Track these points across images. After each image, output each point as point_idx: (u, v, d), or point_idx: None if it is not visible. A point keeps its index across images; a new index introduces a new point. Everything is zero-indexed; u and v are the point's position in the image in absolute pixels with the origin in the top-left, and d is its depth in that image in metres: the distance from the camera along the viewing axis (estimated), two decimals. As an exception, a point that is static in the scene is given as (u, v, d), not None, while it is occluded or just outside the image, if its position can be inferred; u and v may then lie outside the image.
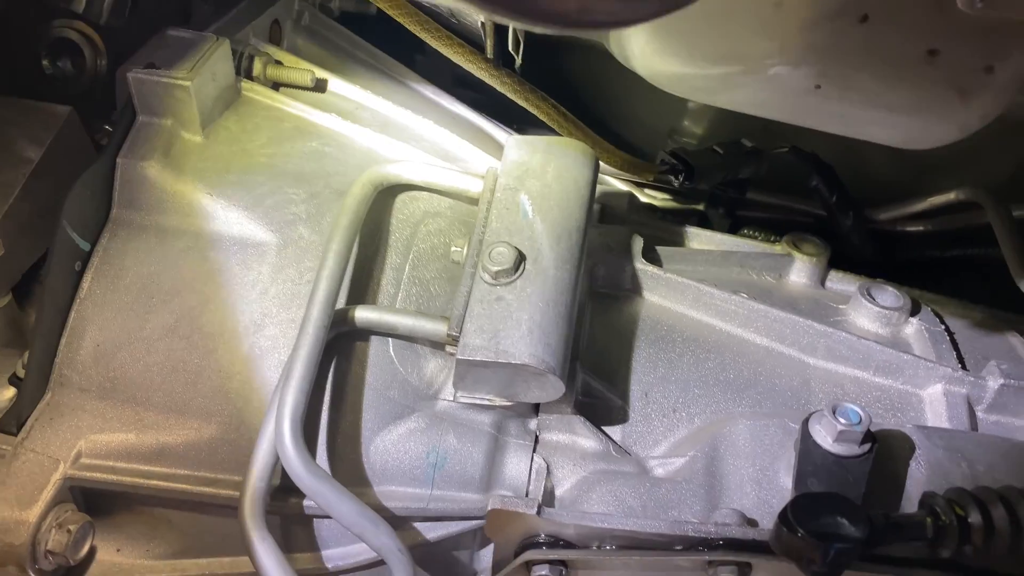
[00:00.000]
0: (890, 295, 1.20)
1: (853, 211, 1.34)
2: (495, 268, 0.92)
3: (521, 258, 0.93)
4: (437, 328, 0.92)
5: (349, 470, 0.91)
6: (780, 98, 0.89)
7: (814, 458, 0.85)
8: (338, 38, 1.33)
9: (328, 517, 0.88)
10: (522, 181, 1.00)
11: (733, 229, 1.47)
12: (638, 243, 1.14)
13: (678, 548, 0.81)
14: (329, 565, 0.91)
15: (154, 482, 0.88)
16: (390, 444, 0.93)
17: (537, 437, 0.99)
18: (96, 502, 0.89)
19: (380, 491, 0.92)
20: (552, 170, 1.01)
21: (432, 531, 0.95)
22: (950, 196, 1.30)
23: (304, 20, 1.30)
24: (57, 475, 0.85)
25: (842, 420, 0.85)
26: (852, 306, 1.20)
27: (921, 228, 1.42)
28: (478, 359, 0.88)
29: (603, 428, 1.03)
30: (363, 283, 0.96)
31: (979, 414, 1.11)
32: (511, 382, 0.91)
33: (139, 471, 0.88)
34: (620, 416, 1.05)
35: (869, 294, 1.19)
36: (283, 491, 0.87)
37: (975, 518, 0.73)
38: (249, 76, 1.11)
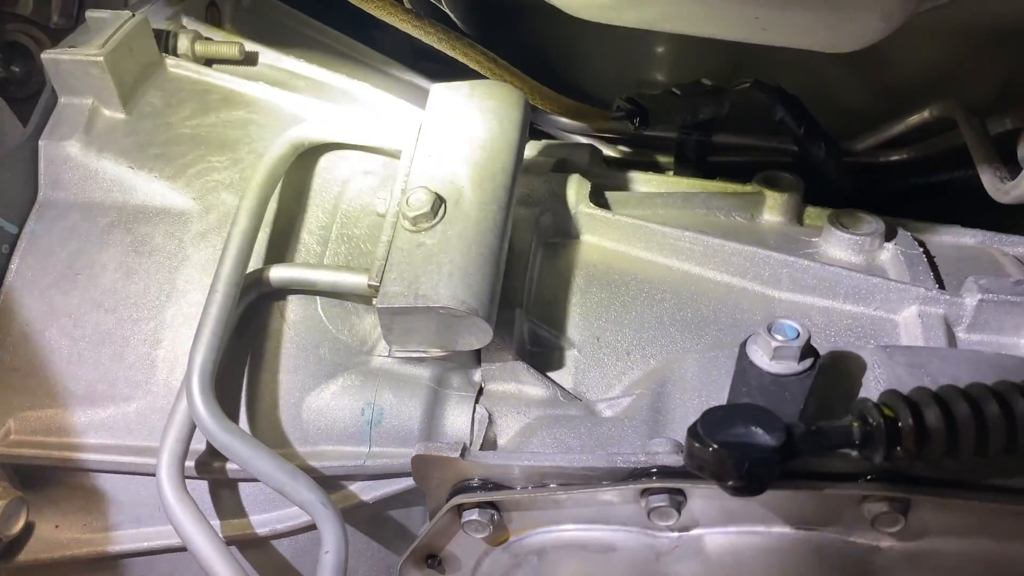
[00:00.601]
0: (862, 221, 1.14)
1: (825, 142, 1.28)
2: (413, 214, 0.89)
3: (440, 201, 0.90)
4: (359, 280, 0.89)
5: (279, 431, 0.89)
6: (690, 7, 0.85)
7: (749, 378, 0.80)
8: (283, 17, 1.32)
9: (255, 480, 0.86)
10: (445, 127, 0.97)
11: (708, 177, 1.42)
12: (584, 187, 1.10)
13: (606, 483, 0.76)
14: (262, 530, 0.89)
15: (84, 455, 0.87)
16: (323, 403, 0.91)
17: (482, 388, 0.96)
18: (32, 479, 0.89)
19: (315, 451, 0.90)
20: (476, 113, 0.98)
21: (374, 490, 0.92)
22: (924, 115, 1.23)
23: (245, 1, 1.30)
24: (-15, 453, 0.86)
25: (778, 337, 0.80)
26: (824, 237, 1.14)
27: (904, 156, 1.35)
28: (397, 306, 0.85)
29: (554, 375, 1.00)
30: (286, 244, 0.95)
31: (960, 335, 1.04)
32: (439, 330, 0.88)
33: (69, 444, 0.88)
34: (571, 362, 1.01)
35: (839, 222, 1.14)
36: (208, 455, 0.86)
37: (905, 420, 0.67)
38: (177, 53, 1.11)
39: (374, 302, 0.87)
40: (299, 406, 0.90)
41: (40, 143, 0.97)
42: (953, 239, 1.21)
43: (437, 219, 0.90)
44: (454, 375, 0.96)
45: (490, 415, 0.94)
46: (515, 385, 0.97)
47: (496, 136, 0.97)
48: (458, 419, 0.93)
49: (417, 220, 0.90)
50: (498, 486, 0.81)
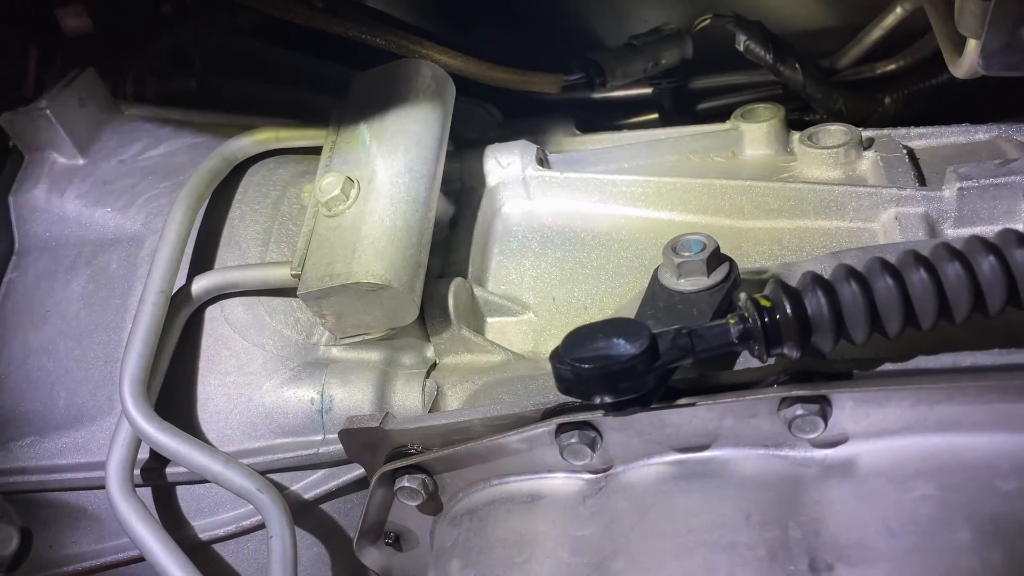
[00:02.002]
0: (834, 133, 1.07)
1: (799, 62, 1.20)
2: (326, 198, 0.91)
3: (351, 183, 0.91)
4: (283, 272, 0.91)
5: (233, 431, 0.91)
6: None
7: (658, 300, 0.76)
8: (253, 51, 1.38)
9: (201, 482, 0.88)
10: (362, 112, 0.99)
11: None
12: (529, 151, 1.08)
13: (513, 432, 0.74)
14: (215, 532, 0.91)
15: (64, 475, 0.92)
16: (274, 398, 0.92)
17: (436, 363, 0.95)
18: (24, 504, 0.95)
19: (270, 445, 0.92)
20: (391, 93, 0.99)
21: (333, 479, 0.93)
22: (897, 12, 1.14)
23: (214, 42, 1.36)
24: (-28, 484, 0.92)
25: (683, 253, 0.76)
26: (799, 158, 1.08)
27: (900, 62, 1.25)
28: (314, 290, 0.86)
29: (514, 341, 0.98)
30: (225, 252, 0.97)
31: (949, 232, 0.96)
32: (365, 308, 0.89)
33: (50, 467, 0.93)
34: (529, 327, 1.00)
35: (810, 139, 1.07)
36: (154, 461, 0.89)
37: (783, 309, 0.61)
38: (139, 98, 1.18)
39: (297, 291, 0.88)
40: (250, 404, 0.92)
41: (9, 199, 1.05)
42: (963, 138, 1.11)
43: (350, 200, 0.91)
44: (406, 354, 0.96)
45: (440, 387, 0.92)
46: (467, 355, 0.95)
47: (409, 111, 0.97)
48: (409, 396, 0.92)
49: (331, 204, 0.91)
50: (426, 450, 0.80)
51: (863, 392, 0.65)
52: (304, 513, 0.94)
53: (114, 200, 1.03)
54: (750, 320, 0.62)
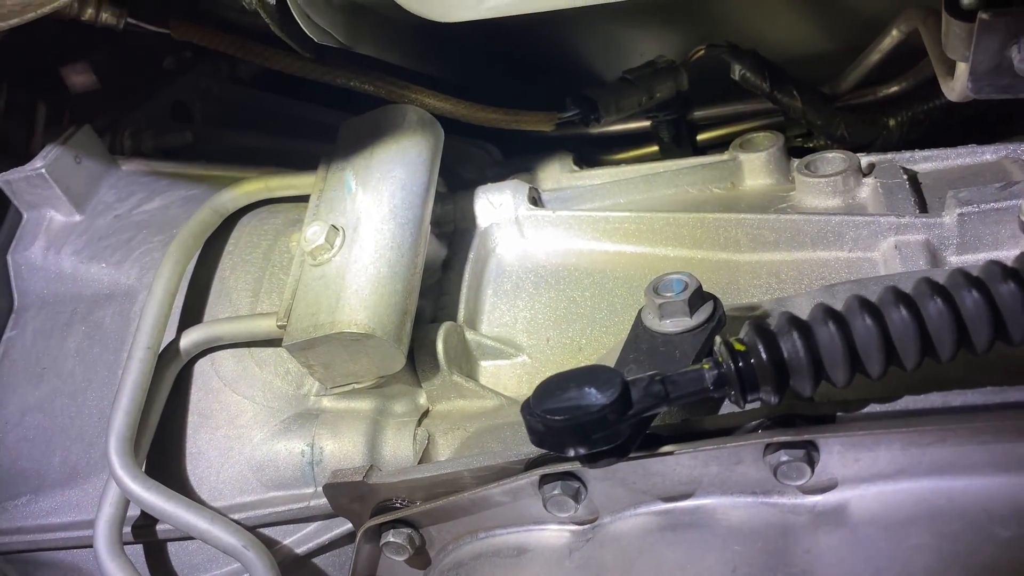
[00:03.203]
0: (832, 160, 1.04)
1: (797, 88, 1.18)
2: (310, 247, 0.90)
3: (336, 231, 0.91)
4: (270, 323, 0.90)
5: (225, 486, 0.90)
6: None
7: (640, 343, 0.74)
8: (253, 101, 1.39)
9: (188, 538, 0.87)
10: (348, 159, 0.98)
11: (702, 157, 1.34)
12: (521, 191, 1.07)
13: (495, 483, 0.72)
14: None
15: (59, 534, 0.92)
16: (265, 451, 0.91)
17: (428, 410, 0.94)
18: (24, 566, 0.95)
19: (262, 499, 0.91)
20: (377, 140, 0.98)
21: (326, 532, 0.91)
22: (893, 34, 1.12)
23: (214, 93, 1.38)
24: (-33, 547, 0.92)
25: (665, 294, 0.74)
26: (797, 188, 1.05)
27: (901, 85, 1.22)
28: (299, 341, 0.86)
29: (508, 385, 0.97)
30: (216, 304, 0.97)
31: (951, 259, 0.92)
32: (352, 357, 0.88)
33: (45, 526, 0.93)
34: (523, 369, 0.98)
35: (807, 167, 1.04)
36: (144, 519, 0.88)
37: (757, 353, 0.59)
38: (136, 152, 1.19)
39: (283, 342, 0.87)
40: (240, 457, 0.91)
41: (8, 258, 1.07)
42: (970, 159, 1.08)
43: (335, 249, 0.90)
44: (398, 402, 0.94)
45: (431, 436, 0.91)
46: (460, 401, 0.94)
47: (394, 156, 0.96)
48: (400, 446, 0.90)
49: (315, 253, 0.90)
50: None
51: (851, 436, 0.62)
52: (297, 568, 0.92)
53: (109, 255, 1.04)
54: (724, 365, 0.60)
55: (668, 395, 0.60)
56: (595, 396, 0.60)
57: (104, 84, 1.37)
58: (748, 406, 0.62)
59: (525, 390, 0.96)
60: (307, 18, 0.97)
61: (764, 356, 0.59)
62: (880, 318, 0.58)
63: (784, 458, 0.63)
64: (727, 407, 0.70)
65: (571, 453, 0.61)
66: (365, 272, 0.87)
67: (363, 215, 0.92)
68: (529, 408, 0.61)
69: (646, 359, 0.72)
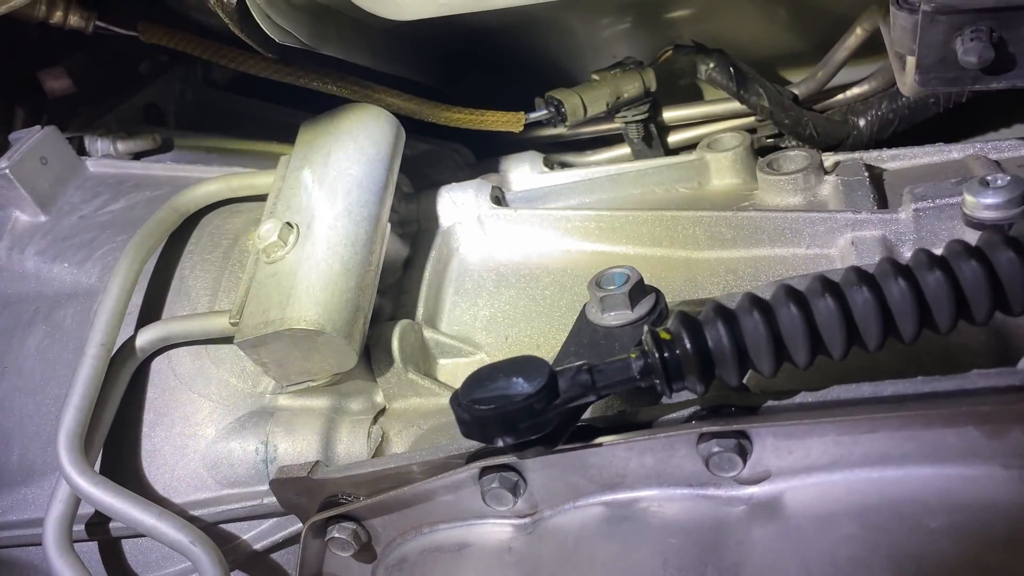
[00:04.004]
0: (794, 158, 1.04)
1: (763, 88, 1.18)
2: (263, 245, 0.90)
3: (290, 228, 0.91)
4: (223, 321, 0.90)
5: (180, 484, 0.91)
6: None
7: (582, 337, 0.74)
8: (226, 104, 1.40)
9: (141, 536, 0.87)
10: (306, 158, 0.99)
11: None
12: (484, 189, 1.07)
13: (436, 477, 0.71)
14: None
15: (16, 532, 0.92)
16: (219, 449, 0.91)
17: (384, 408, 0.94)
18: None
19: (217, 496, 0.91)
20: (332, 138, 0.99)
21: (281, 529, 0.91)
22: (857, 32, 1.11)
23: (188, 97, 1.38)
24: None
25: (606, 287, 0.74)
26: (761, 186, 1.05)
27: (867, 87, 1.22)
28: (249, 338, 0.86)
29: (466, 384, 0.96)
30: (174, 302, 0.97)
31: (908, 255, 0.91)
32: (304, 354, 0.88)
33: (3, 524, 0.93)
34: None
35: (769, 166, 1.04)
36: (97, 516, 0.88)
37: (681, 343, 0.59)
38: (106, 154, 1.19)
39: (234, 339, 0.87)
40: (196, 456, 0.91)
41: (-29, 259, 1.07)
42: (937, 157, 1.08)
43: (289, 246, 0.90)
44: (354, 400, 0.94)
45: (386, 433, 0.91)
46: (416, 399, 0.94)
47: (351, 154, 0.97)
48: (354, 444, 0.90)
49: (269, 250, 0.90)
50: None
51: (782, 426, 0.62)
52: (254, 564, 0.92)
53: (72, 255, 1.04)
54: (650, 355, 0.60)
55: (595, 384, 0.60)
56: (521, 385, 0.59)
57: (80, 88, 1.38)
58: (675, 396, 0.61)
59: (483, 388, 0.96)
60: (268, 19, 0.97)
61: (688, 345, 0.58)
62: (806, 306, 0.58)
63: (716, 448, 0.62)
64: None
65: (499, 443, 0.61)
66: (317, 269, 0.88)
67: (317, 212, 0.92)
68: (457, 399, 0.61)
69: (587, 352, 0.72)
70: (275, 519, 0.92)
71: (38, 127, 1.12)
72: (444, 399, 0.93)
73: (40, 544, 0.91)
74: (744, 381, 0.63)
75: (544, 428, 0.60)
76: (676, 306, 0.78)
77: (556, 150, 1.34)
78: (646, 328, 0.62)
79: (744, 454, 0.62)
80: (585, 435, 0.66)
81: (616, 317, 0.73)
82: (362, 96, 1.07)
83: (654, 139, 1.29)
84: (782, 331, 0.58)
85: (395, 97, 1.08)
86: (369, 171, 0.96)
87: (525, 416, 0.59)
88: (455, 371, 0.98)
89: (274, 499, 0.88)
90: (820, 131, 1.22)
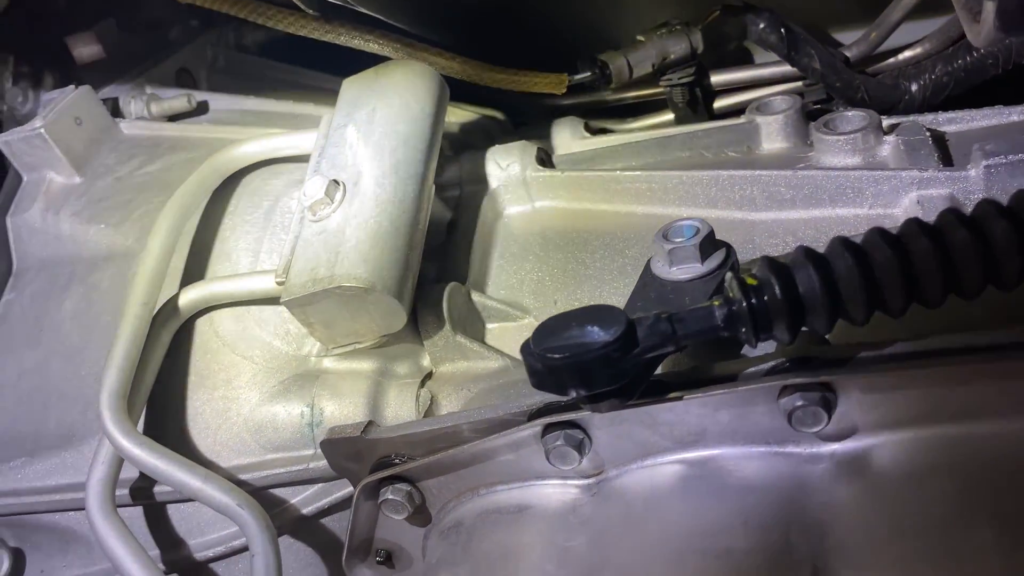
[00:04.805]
0: (851, 119, 1.01)
1: (815, 50, 1.14)
2: (310, 202, 0.87)
3: (336, 185, 0.88)
4: (269, 280, 0.88)
5: (222, 447, 0.88)
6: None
7: (649, 292, 0.71)
8: (257, 69, 1.37)
9: (184, 501, 0.85)
10: (350, 115, 0.96)
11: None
12: (529, 152, 1.04)
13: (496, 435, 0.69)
14: (203, 553, 0.87)
15: (53, 497, 0.90)
16: (263, 413, 0.89)
17: (431, 372, 0.91)
18: (16, 528, 0.93)
19: (261, 461, 0.88)
20: (378, 95, 0.96)
21: (327, 495, 0.89)
22: (914, -17, 1.08)
23: (219, 63, 1.36)
24: (-38, 509, 0.90)
25: (675, 239, 0.71)
26: (816, 147, 1.02)
27: (920, 49, 1.18)
28: (298, 296, 0.83)
29: (514, 346, 0.93)
30: (216, 263, 0.95)
31: (979, 214, 0.87)
32: (353, 314, 0.85)
33: (40, 489, 0.91)
34: (530, 331, 0.92)
35: (826, 126, 1.01)
36: (141, 481, 0.86)
37: (770, 288, 0.56)
38: (139, 116, 1.17)
39: (281, 298, 0.85)
40: (239, 418, 0.89)
41: (7, 220, 1.05)
42: (996, 120, 1.04)
43: (336, 203, 0.87)
44: (400, 363, 0.91)
45: (435, 397, 0.88)
46: (463, 363, 0.91)
47: (397, 111, 0.94)
48: (402, 407, 0.88)
49: (315, 208, 0.87)
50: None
51: (871, 378, 0.58)
52: (301, 529, 0.90)
53: (108, 217, 1.02)
54: (736, 302, 0.57)
55: (675, 333, 0.57)
56: (598, 334, 0.56)
57: (110, 55, 1.35)
58: (759, 346, 0.58)
59: (532, 352, 0.93)
60: (311, -28, 0.95)
61: (778, 291, 0.55)
62: (902, 249, 0.55)
63: (799, 402, 0.59)
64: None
65: (572, 395, 0.58)
66: (366, 226, 0.85)
67: (364, 170, 0.89)
68: (529, 348, 0.58)
69: (654, 307, 0.69)
70: (319, 486, 0.90)
71: (72, 86, 1.09)
72: (493, 363, 0.90)
73: (80, 509, 0.90)
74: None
75: (620, 379, 0.57)
76: (743, 267, 0.74)
77: (595, 116, 1.31)
78: (728, 274, 0.59)
79: (829, 408, 0.59)
80: (657, 391, 0.63)
81: (685, 271, 0.70)
82: (405, 55, 1.04)
83: (699, 103, 1.26)
84: (877, 275, 0.54)
85: (438, 56, 1.05)
86: (415, 129, 0.93)
87: (602, 366, 0.56)
88: (502, 335, 0.95)
89: (320, 464, 0.87)
90: (872, 95, 1.18)
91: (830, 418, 0.59)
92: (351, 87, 0.99)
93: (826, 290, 0.55)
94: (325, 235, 0.86)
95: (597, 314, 0.58)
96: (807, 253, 0.57)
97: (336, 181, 0.88)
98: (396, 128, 0.92)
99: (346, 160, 0.91)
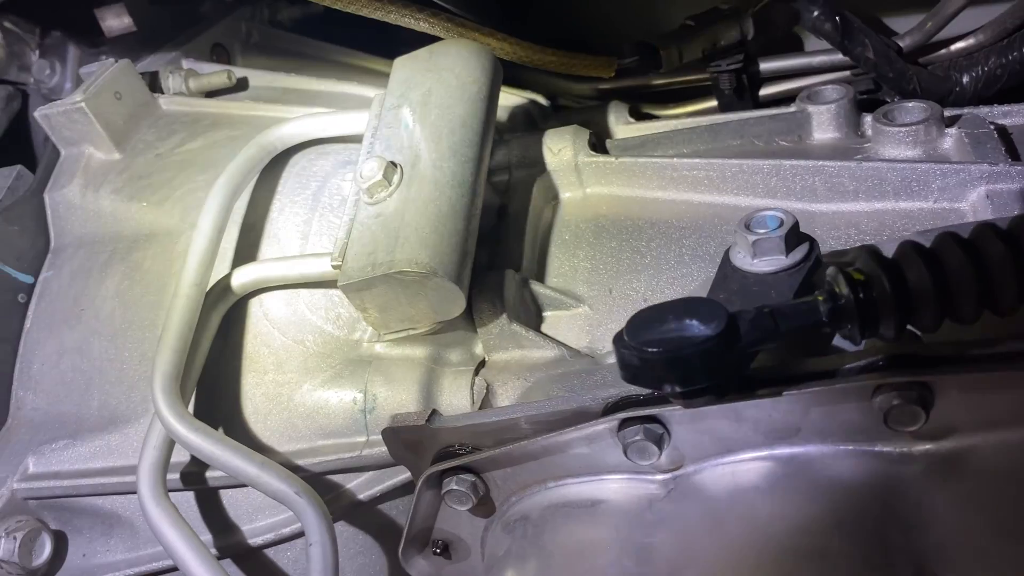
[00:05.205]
0: (912, 110, 0.99)
1: (869, 39, 1.12)
2: (367, 184, 0.85)
3: (394, 167, 0.86)
4: (323, 264, 0.85)
5: (271, 432, 0.87)
6: None
7: (730, 284, 0.69)
8: (292, 46, 1.34)
9: (239, 486, 0.83)
10: (404, 95, 0.93)
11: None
12: (582, 136, 1.02)
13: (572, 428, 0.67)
14: (256, 540, 0.86)
15: (97, 480, 0.88)
16: (314, 398, 0.87)
17: (484, 360, 0.89)
18: (57, 511, 0.91)
19: (311, 447, 0.87)
20: (433, 75, 0.93)
21: (378, 483, 0.87)
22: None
23: (254, 38, 1.33)
24: (4, 490, 0.88)
25: (758, 230, 0.69)
26: (874, 139, 1.00)
27: (973, 40, 1.16)
28: (356, 280, 0.81)
29: (568, 336, 0.92)
30: (264, 245, 0.93)
31: (1050, 210, 0.86)
32: (410, 300, 0.83)
33: (83, 472, 0.89)
34: (584, 320, 0.93)
35: (886, 117, 0.99)
36: (193, 465, 0.84)
37: (880, 283, 0.54)
38: (177, 92, 1.14)
39: (337, 282, 0.83)
40: (290, 403, 0.87)
41: (45, 196, 1.02)
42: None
43: (393, 186, 0.85)
44: (453, 351, 0.90)
45: (490, 385, 0.86)
46: (518, 351, 0.89)
47: (453, 91, 0.91)
48: (457, 395, 0.86)
49: (372, 190, 0.85)
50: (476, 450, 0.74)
51: (973, 378, 0.57)
52: (349, 517, 0.88)
53: (150, 195, 0.99)
54: (843, 296, 0.55)
55: (778, 328, 0.55)
56: (698, 328, 0.55)
57: (140, 27, 1.32)
58: (860, 344, 0.57)
59: (586, 342, 0.91)
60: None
61: (888, 286, 0.54)
62: (1016, 244, 0.53)
63: (896, 401, 0.58)
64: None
65: (668, 390, 0.56)
66: (425, 210, 0.82)
67: (422, 152, 0.87)
68: (623, 340, 0.56)
69: (737, 299, 0.67)
70: (368, 474, 0.88)
71: (111, 60, 1.07)
72: (548, 352, 0.88)
73: (123, 493, 0.89)
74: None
75: (719, 375, 0.55)
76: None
77: (636, 102, 1.29)
78: (832, 268, 0.57)
79: (927, 407, 0.58)
80: (743, 386, 0.61)
81: (769, 263, 0.68)
82: (455, 33, 1.02)
83: (745, 90, 1.24)
84: (991, 271, 0.53)
85: (489, 36, 1.03)
86: (472, 110, 0.91)
87: (702, 361, 0.54)
88: (555, 324, 0.93)
89: (374, 451, 0.85)
90: (924, 86, 1.17)
91: (928, 417, 0.58)
92: (404, 67, 0.96)
93: (937, 286, 0.53)
94: (383, 218, 0.84)
95: (694, 307, 0.56)
96: (915, 247, 0.55)
97: (393, 163, 0.86)
98: (454, 110, 0.90)
99: (402, 142, 0.89)
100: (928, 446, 0.60)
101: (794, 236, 0.68)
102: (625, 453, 0.66)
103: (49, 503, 0.90)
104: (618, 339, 0.57)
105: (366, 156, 0.90)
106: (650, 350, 0.55)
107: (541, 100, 1.28)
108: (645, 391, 0.66)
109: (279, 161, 0.99)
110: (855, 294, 0.54)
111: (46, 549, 0.88)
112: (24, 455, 0.90)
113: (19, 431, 0.93)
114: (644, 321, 0.57)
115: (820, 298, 0.56)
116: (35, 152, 1.38)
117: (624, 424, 0.65)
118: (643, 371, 0.56)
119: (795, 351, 0.65)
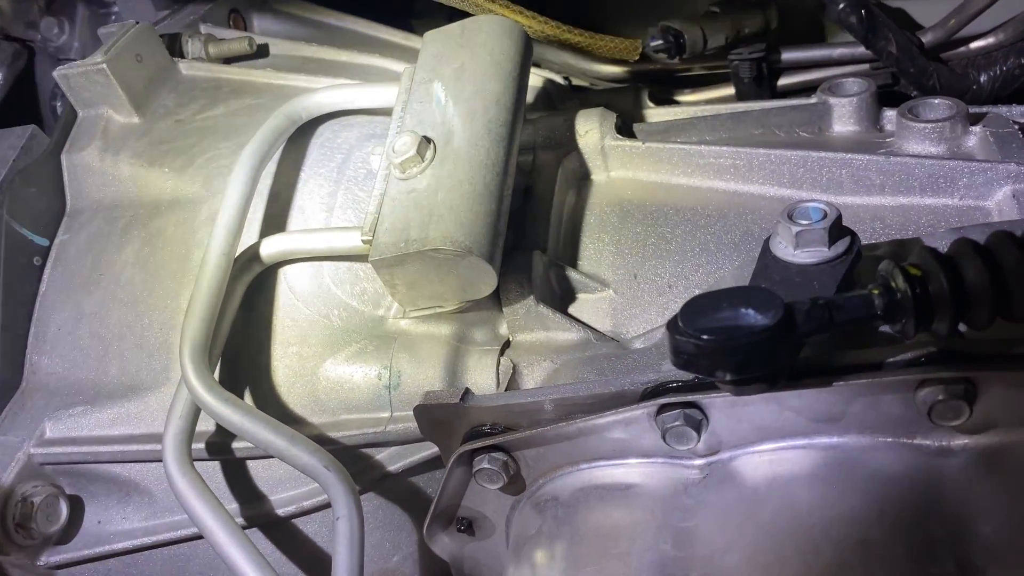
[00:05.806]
0: (937, 106, 0.99)
1: (893, 33, 1.12)
2: (400, 159, 0.84)
3: (427, 143, 0.85)
4: (352, 237, 0.85)
5: (295, 405, 0.86)
6: None
7: (772, 273, 0.69)
8: (309, 13, 1.32)
9: (263, 457, 0.83)
10: (435, 70, 0.92)
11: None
12: (608, 120, 1.02)
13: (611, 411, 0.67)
14: (283, 510, 0.85)
15: (115, 447, 0.87)
16: (338, 372, 0.87)
17: (509, 341, 0.89)
18: (72, 477, 0.90)
19: (334, 421, 0.86)
20: (466, 51, 0.92)
21: (401, 459, 0.87)
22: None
23: (271, 4, 1.31)
24: (20, 454, 0.87)
25: (801, 221, 0.69)
26: (897, 134, 1.00)
27: (993, 39, 1.17)
28: (388, 256, 0.80)
29: (592, 319, 0.92)
30: (288, 216, 0.92)
31: (1077, 212, 0.87)
32: (441, 277, 0.82)
33: (100, 438, 0.88)
34: (608, 304, 0.93)
35: (911, 112, 0.99)
36: (218, 435, 0.84)
37: (937, 279, 0.54)
38: (190, 56, 1.12)
39: (368, 257, 0.82)
40: (313, 377, 0.87)
41: (62, 157, 1.01)
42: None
43: (426, 162, 0.85)
44: (478, 330, 0.89)
45: (515, 366, 0.86)
46: (543, 333, 0.89)
47: (486, 68, 0.91)
48: (482, 374, 0.86)
49: (405, 166, 0.85)
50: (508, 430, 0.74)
51: (1016, 375, 0.58)
52: (371, 492, 0.88)
53: (171, 160, 0.98)
54: (899, 291, 0.55)
55: (832, 320, 0.56)
56: (755, 317, 0.55)
57: (154, -9, 1.30)
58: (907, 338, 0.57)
59: (609, 326, 0.92)
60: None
61: (944, 282, 0.54)
62: (1074, 247, 0.54)
63: (941, 396, 0.59)
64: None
65: (720, 378, 0.56)
66: (460, 188, 0.82)
67: (456, 129, 0.86)
68: (678, 327, 0.57)
69: (781, 290, 0.67)
70: (390, 450, 0.88)
71: (132, 21, 1.05)
72: (574, 335, 0.88)
73: (143, 461, 0.88)
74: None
75: (773, 364, 0.56)
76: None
77: (656, 86, 1.28)
78: (887, 262, 0.57)
79: (971, 402, 0.58)
80: (790, 375, 0.62)
81: (811, 254, 0.68)
82: (481, 9, 1.01)
83: (764, 79, 1.24)
84: (1048, 272, 0.53)
85: (518, 14, 1.02)
86: (506, 88, 0.90)
87: (759, 350, 0.55)
88: (579, 306, 0.93)
89: (398, 427, 0.85)
90: (943, 83, 1.17)
91: (971, 412, 0.59)
92: (434, 41, 0.95)
93: (994, 283, 0.54)
94: (416, 194, 0.83)
95: (749, 296, 0.57)
96: (969, 243, 0.56)
97: (427, 139, 0.85)
98: (488, 87, 0.89)
99: (435, 117, 0.88)
100: (967, 440, 0.61)
101: (837, 229, 0.68)
102: (663, 438, 0.66)
103: (65, 469, 0.89)
104: (672, 325, 0.57)
105: (397, 130, 0.89)
106: (706, 338, 0.55)
107: (559, 79, 1.27)
108: (683, 377, 0.67)
109: (303, 132, 0.98)
110: (912, 289, 0.54)
111: (62, 515, 0.87)
112: (40, 420, 0.89)
113: (34, 395, 0.92)
114: (699, 308, 0.57)
115: (875, 292, 0.56)
116: (41, 111, 1.36)
117: (663, 409, 0.66)
118: (697, 358, 0.56)
119: (840, 342, 0.66)
